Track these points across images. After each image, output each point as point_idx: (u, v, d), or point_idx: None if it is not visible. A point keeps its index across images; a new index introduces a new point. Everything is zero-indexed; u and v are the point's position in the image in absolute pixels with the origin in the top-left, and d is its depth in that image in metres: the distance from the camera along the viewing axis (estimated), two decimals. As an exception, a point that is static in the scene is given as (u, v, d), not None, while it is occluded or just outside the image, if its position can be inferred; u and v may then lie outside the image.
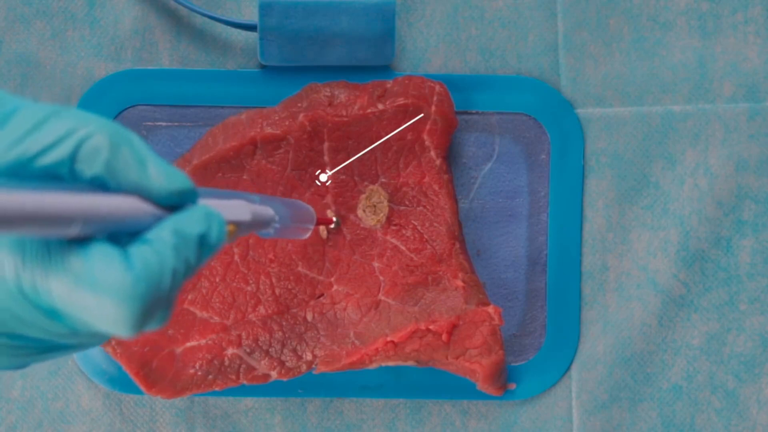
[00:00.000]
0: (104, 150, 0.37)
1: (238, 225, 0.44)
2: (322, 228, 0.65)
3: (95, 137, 0.37)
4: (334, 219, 0.64)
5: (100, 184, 0.38)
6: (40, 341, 0.40)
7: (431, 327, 0.63)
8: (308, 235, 0.57)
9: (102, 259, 0.37)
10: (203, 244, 0.40)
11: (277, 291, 0.65)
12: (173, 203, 0.40)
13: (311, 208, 0.57)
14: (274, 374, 0.64)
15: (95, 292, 0.36)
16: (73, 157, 0.37)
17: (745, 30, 0.67)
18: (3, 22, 0.65)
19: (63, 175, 0.37)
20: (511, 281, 0.67)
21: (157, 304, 0.38)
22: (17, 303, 0.38)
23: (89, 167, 0.37)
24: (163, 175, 0.39)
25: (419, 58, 0.67)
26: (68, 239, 0.37)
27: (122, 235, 0.38)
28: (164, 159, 0.40)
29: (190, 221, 0.39)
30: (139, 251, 0.38)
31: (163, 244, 0.38)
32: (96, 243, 0.37)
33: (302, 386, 0.66)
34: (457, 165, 0.67)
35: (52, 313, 0.38)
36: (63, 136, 0.37)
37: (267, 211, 0.48)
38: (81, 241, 0.37)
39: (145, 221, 0.38)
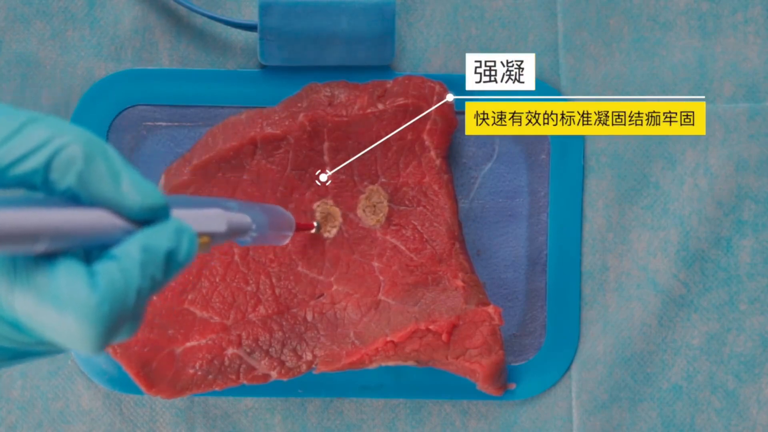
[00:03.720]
0: (78, 161, 0.37)
1: (213, 236, 0.44)
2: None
3: (70, 147, 0.37)
4: (315, 224, 0.63)
5: (72, 196, 0.37)
6: (7, 349, 0.40)
7: (431, 327, 0.63)
8: (287, 242, 0.56)
9: (67, 276, 0.36)
10: (172, 261, 0.39)
11: (277, 291, 0.65)
12: (145, 218, 0.39)
13: (290, 215, 0.57)
14: (274, 374, 0.64)
15: (58, 311, 0.36)
16: (47, 167, 0.36)
17: (745, 30, 0.67)
18: (3, 22, 0.65)
19: (36, 184, 0.37)
20: (511, 281, 0.67)
21: (122, 321, 0.37)
22: None
23: (62, 178, 0.37)
24: (136, 189, 0.38)
25: (419, 58, 0.67)
26: (35, 255, 0.36)
27: (92, 248, 0.38)
28: (138, 172, 0.39)
29: (159, 237, 0.39)
30: (105, 268, 0.37)
31: (130, 260, 0.37)
32: (62, 259, 0.37)
33: (302, 386, 0.66)
34: (457, 165, 0.67)
35: (18, 325, 0.38)
36: (38, 146, 0.36)
37: (244, 219, 0.48)
38: (48, 256, 0.36)
39: (114, 235, 0.38)
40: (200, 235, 0.43)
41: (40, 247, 0.35)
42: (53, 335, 0.37)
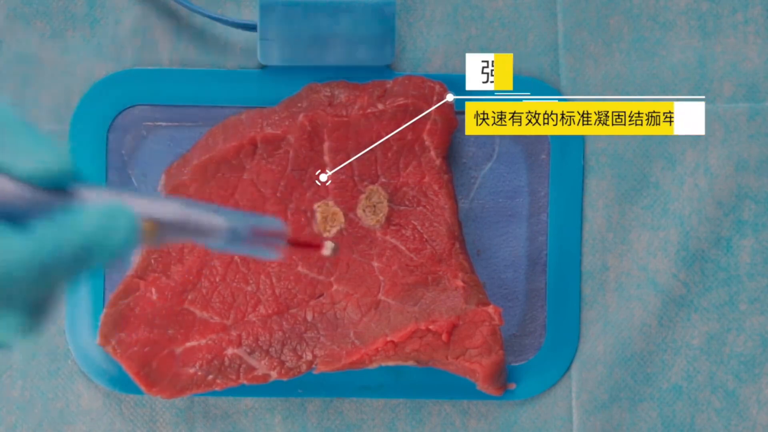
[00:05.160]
0: None
1: (160, 225, 0.40)
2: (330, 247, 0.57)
3: None
4: (331, 244, 0.49)
5: None
6: None
7: (431, 327, 0.63)
8: (278, 257, 0.49)
9: None
10: (104, 238, 0.35)
11: (277, 291, 0.65)
12: (51, 186, 0.35)
13: (283, 226, 0.49)
14: (274, 374, 0.64)
15: None
16: None
17: (745, 30, 0.67)
18: (3, 22, 0.65)
19: None
20: (511, 281, 0.67)
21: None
22: None
23: None
24: (31, 152, 0.34)
25: (419, 58, 0.67)
26: None
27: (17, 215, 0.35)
28: (43, 134, 0.35)
29: (89, 215, 0.35)
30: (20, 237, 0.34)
31: (42, 234, 0.34)
32: None
33: (302, 386, 0.66)
34: (457, 165, 0.67)
35: None
36: None
37: (210, 218, 0.43)
38: None
39: (19, 205, 0.34)
40: (144, 220, 0.39)
41: None
42: None
